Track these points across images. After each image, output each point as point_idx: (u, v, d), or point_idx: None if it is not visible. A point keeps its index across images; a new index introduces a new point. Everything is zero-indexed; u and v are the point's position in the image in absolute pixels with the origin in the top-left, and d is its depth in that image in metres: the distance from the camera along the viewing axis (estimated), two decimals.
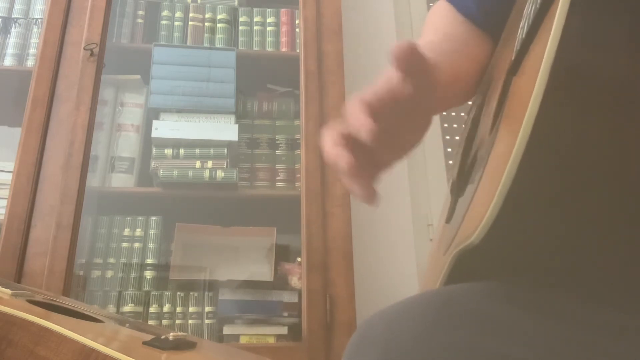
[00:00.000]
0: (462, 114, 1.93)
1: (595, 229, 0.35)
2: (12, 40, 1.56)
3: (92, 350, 0.50)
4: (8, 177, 1.33)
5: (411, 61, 0.42)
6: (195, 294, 1.39)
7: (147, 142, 1.52)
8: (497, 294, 0.37)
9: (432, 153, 1.82)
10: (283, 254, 1.47)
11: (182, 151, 1.48)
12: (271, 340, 1.37)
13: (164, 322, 1.36)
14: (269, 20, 1.67)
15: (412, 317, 0.37)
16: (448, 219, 0.55)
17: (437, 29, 0.68)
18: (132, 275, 1.39)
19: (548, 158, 0.32)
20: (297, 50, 1.59)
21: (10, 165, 1.34)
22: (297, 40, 1.63)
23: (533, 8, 0.35)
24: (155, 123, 1.48)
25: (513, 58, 0.39)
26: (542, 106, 0.30)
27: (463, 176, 0.53)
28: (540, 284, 0.38)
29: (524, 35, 0.36)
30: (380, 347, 0.36)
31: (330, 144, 0.46)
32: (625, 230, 0.35)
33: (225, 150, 1.48)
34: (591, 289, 0.37)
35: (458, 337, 0.34)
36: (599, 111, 0.31)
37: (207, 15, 1.65)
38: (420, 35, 0.69)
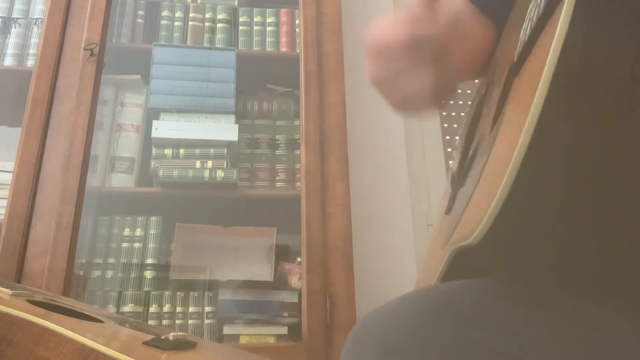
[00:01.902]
0: (462, 114, 1.93)
1: (594, 230, 0.35)
2: (12, 40, 1.56)
3: (92, 350, 0.50)
4: (8, 177, 1.33)
5: None
6: (195, 294, 1.39)
7: (147, 142, 1.52)
8: (494, 292, 0.38)
9: (432, 153, 1.82)
10: (283, 254, 1.47)
11: (182, 151, 1.48)
12: (271, 340, 1.37)
13: (164, 322, 1.35)
14: (269, 20, 1.67)
15: (409, 313, 0.37)
16: (448, 210, 0.56)
17: None
18: (132, 275, 1.39)
19: (548, 162, 0.32)
20: (297, 50, 1.59)
21: (10, 165, 1.34)
22: (297, 40, 1.63)
23: (536, 12, 0.35)
24: (155, 123, 1.48)
25: (515, 60, 0.39)
26: (544, 111, 0.30)
27: (464, 168, 0.53)
28: (536, 282, 0.38)
29: (526, 38, 0.37)
30: (378, 343, 0.37)
31: None
32: (623, 232, 0.35)
33: (225, 150, 1.48)
34: (587, 287, 0.37)
35: (454, 333, 0.35)
36: (600, 115, 0.31)
37: (207, 15, 1.65)
38: None
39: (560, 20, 0.30)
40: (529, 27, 0.37)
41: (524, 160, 0.31)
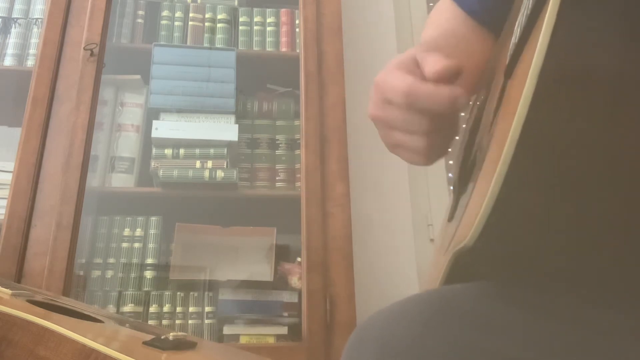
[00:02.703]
0: (462, 114, 1.93)
1: (587, 230, 0.35)
2: (12, 40, 1.56)
3: (92, 350, 0.50)
4: (8, 177, 1.33)
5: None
6: (195, 294, 1.39)
7: (147, 142, 1.52)
8: (493, 294, 0.38)
9: None
10: (283, 254, 1.47)
11: (182, 151, 1.48)
12: (271, 340, 1.37)
13: (164, 322, 1.36)
14: (269, 20, 1.67)
15: (409, 317, 0.37)
16: (450, 217, 0.56)
17: (437, 26, 0.68)
18: (132, 275, 1.39)
19: (538, 163, 0.32)
20: (297, 50, 1.60)
21: (10, 165, 1.34)
22: (297, 40, 1.63)
23: (525, 13, 0.35)
24: (155, 123, 1.48)
25: (507, 62, 0.39)
26: (530, 111, 0.30)
27: (464, 174, 0.53)
28: (535, 284, 0.38)
29: (516, 40, 0.37)
30: (378, 347, 0.36)
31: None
32: (617, 231, 0.35)
33: (225, 150, 1.48)
34: (585, 288, 0.37)
35: (454, 336, 0.35)
36: (588, 113, 0.31)
37: (207, 15, 1.65)
38: (421, 34, 0.70)
39: (546, 19, 0.30)
40: (519, 29, 0.37)
41: (512, 161, 0.31)
